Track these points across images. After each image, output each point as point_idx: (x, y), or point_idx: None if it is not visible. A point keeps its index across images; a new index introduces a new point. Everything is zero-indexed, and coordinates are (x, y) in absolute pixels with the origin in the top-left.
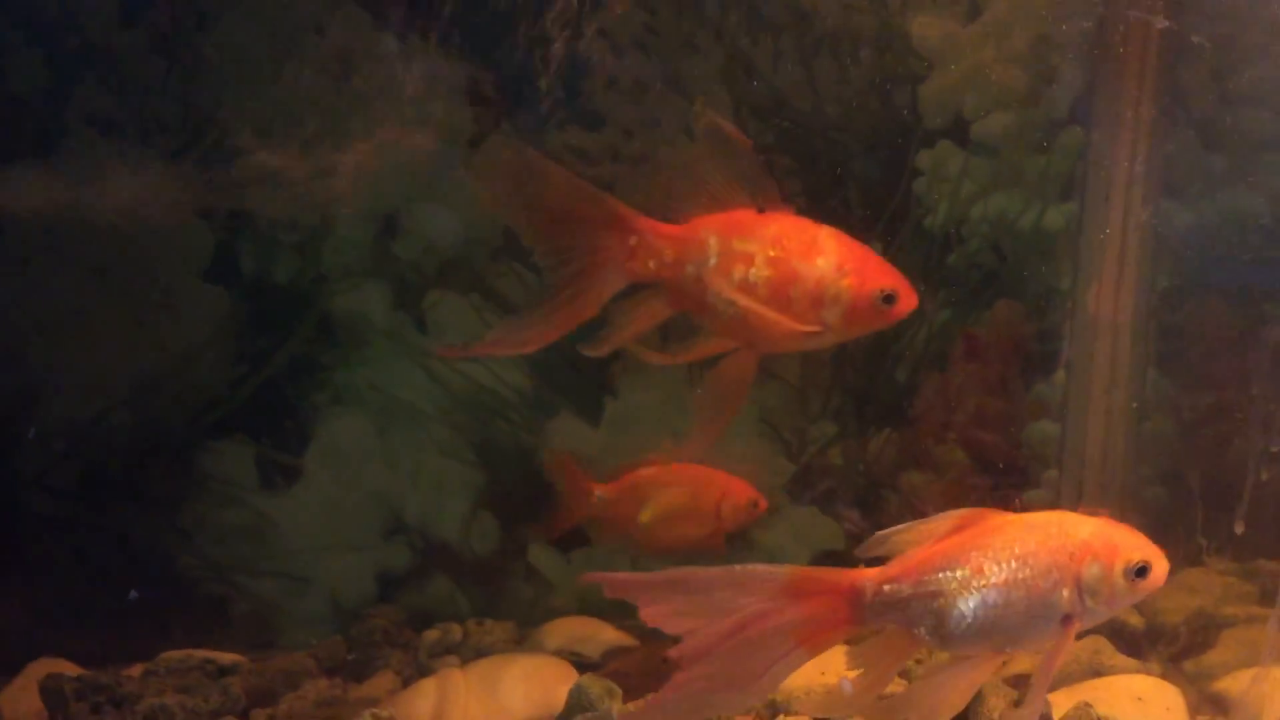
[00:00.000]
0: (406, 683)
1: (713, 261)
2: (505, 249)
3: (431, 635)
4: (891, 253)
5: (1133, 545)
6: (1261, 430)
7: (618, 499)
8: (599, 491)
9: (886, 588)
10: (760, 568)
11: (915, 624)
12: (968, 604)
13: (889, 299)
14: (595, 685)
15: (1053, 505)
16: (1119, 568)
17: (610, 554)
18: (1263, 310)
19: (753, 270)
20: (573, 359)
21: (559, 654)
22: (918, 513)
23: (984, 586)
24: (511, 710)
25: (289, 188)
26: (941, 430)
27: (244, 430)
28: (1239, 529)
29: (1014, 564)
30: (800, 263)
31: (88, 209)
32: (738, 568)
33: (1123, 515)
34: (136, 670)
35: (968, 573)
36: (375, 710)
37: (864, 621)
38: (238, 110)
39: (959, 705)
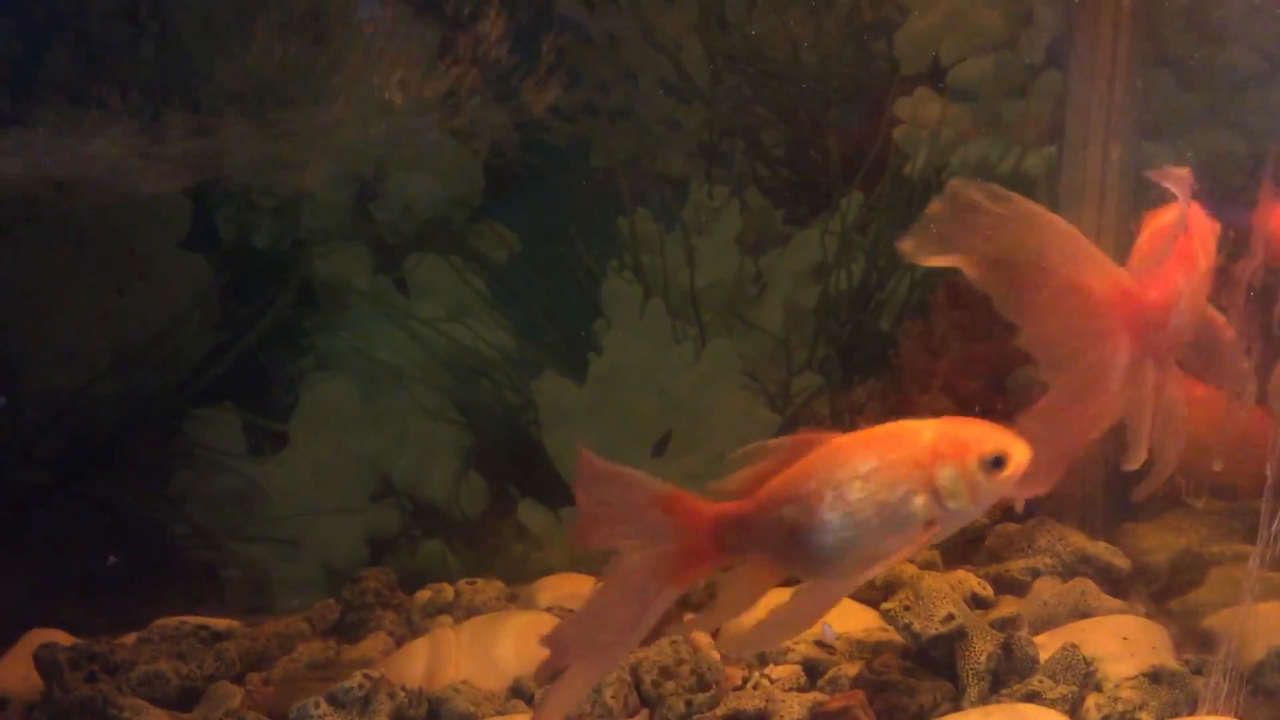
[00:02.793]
0: (399, 643)
1: None
2: (485, 209)
3: (423, 596)
4: (872, 202)
5: (983, 438)
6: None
7: None
8: None
9: (739, 525)
10: (643, 475)
11: (774, 555)
12: (818, 533)
13: None
14: None
15: None
16: (973, 464)
17: None
18: (1238, 248)
19: None
20: (555, 317)
21: (550, 610)
22: None
23: (831, 514)
24: (503, 667)
25: (265, 153)
26: (926, 378)
27: (230, 397)
28: (1217, 467)
29: (857, 484)
30: None
31: (64, 179)
32: (629, 469)
33: (1106, 456)
34: (130, 638)
35: (810, 503)
36: (367, 671)
37: (726, 553)
38: (211, 76)
39: (810, 623)
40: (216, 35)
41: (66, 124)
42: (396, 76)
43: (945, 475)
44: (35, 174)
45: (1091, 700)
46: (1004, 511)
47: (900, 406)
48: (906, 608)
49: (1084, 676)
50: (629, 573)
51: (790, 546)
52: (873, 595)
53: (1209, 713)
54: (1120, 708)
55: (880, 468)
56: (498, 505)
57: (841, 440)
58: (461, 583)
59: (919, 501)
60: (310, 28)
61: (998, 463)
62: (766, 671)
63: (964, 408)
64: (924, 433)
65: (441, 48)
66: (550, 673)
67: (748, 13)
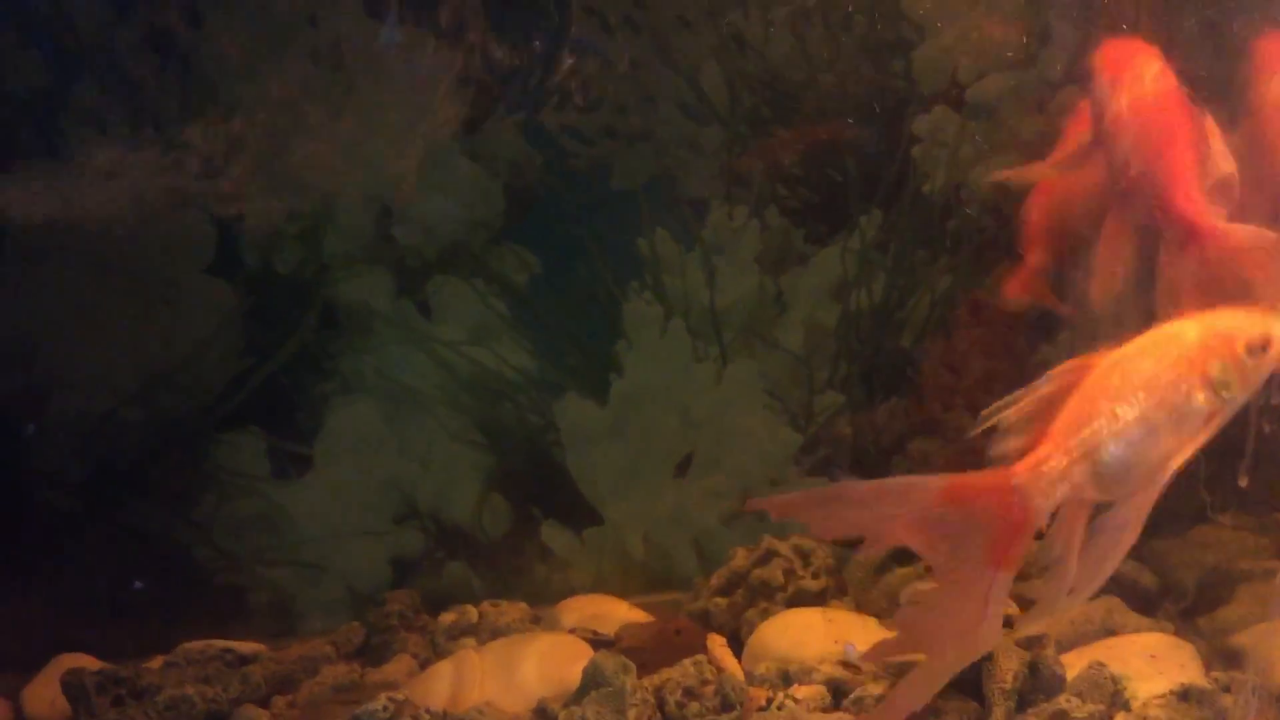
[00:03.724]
0: (423, 665)
1: None
2: (505, 231)
3: (447, 618)
4: (892, 221)
5: (1246, 325)
6: (1265, 381)
7: None
8: None
9: (1045, 468)
10: (912, 478)
11: (1080, 491)
12: (1119, 449)
13: None
14: (610, 661)
15: None
16: (1241, 352)
17: (618, 530)
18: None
19: None
20: (576, 338)
21: (574, 632)
22: None
23: (1128, 427)
24: (527, 689)
25: (288, 178)
26: (948, 396)
27: (254, 422)
28: (1243, 482)
29: (1142, 393)
30: None
31: (90, 207)
32: (890, 480)
33: None
34: (157, 662)
35: (1106, 422)
36: (392, 693)
37: (1040, 512)
38: (233, 103)
39: (1133, 539)
40: (238, 64)
41: (93, 153)
42: (416, 101)
43: (1217, 367)
44: (62, 203)
45: (1119, 719)
46: None
47: (923, 424)
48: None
49: (1112, 695)
50: (952, 575)
51: (1094, 474)
52: None
53: None
54: None
55: (1159, 372)
56: (521, 527)
57: (1111, 356)
58: (485, 604)
59: (1200, 398)
60: (332, 54)
61: (1263, 346)
62: (791, 692)
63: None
64: (1189, 331)
65: (462, 72)
66: (885, 657)
67: (765, 34)
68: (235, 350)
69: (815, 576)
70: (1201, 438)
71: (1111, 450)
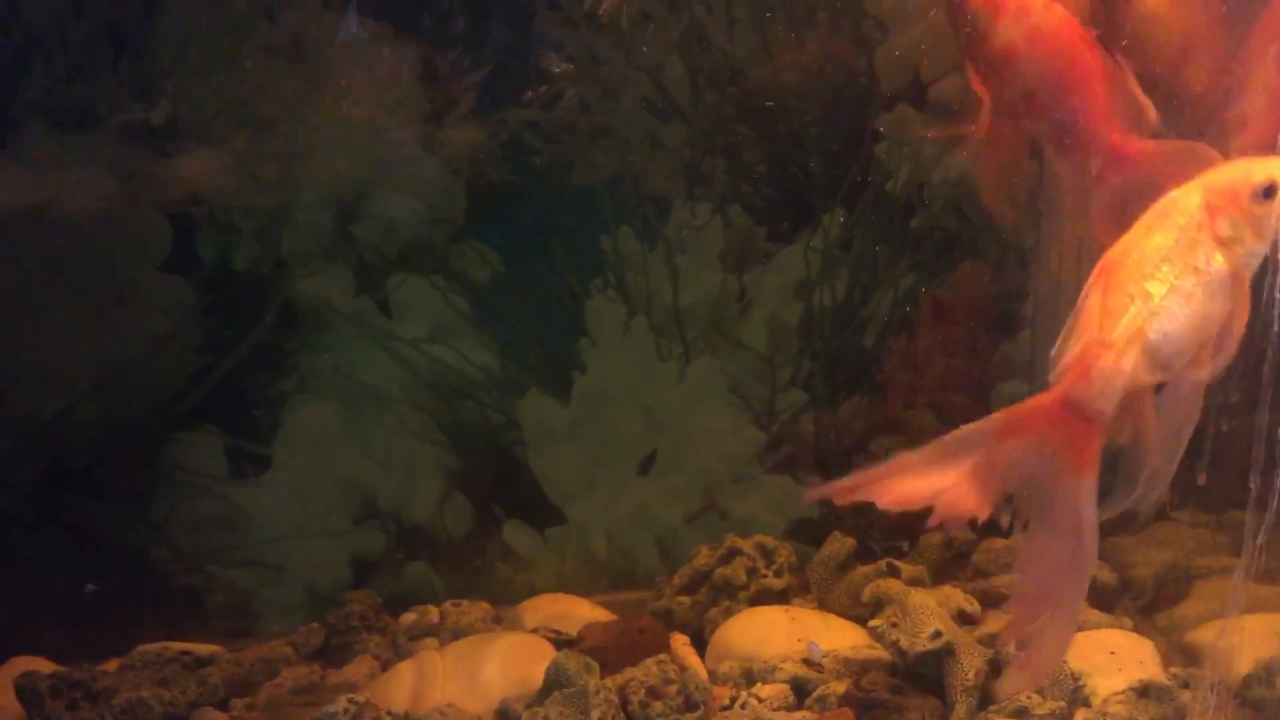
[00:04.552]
0: (385, 666)
1: None
2: (467, 229)
3: (408, 618)
4: (855, 219)
5: (1246, 173)
6: (1221, 381)
7: None
8: None
9: (1096, 370)
10: (965, 427)
11: (1138, 379)
12: (1164, 324)
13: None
14: (572, 661)
15: None
16: (1247, 204)
17: (581, 529)
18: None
19: None
20: (539, 336)
21: (537, 632)
22: None
23: (1163, 302)
24: (490, 689)
25: (245, 174)
26: (910, 394)
27: (212, 420)
28: (1201, 480)
29: (1165, 268)
30: None
31: (42, 202)
32: (947, 437)
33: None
34: (113, 665)
35: (1141, 303)
36: (352, 695)
37: (1104, 414)
38: (190, 98)
39: (1194, 419)
40: (195, 58)
41: (45, 147)
42: (377, 96)
43: (1226, 225)
44: (14, 198)
45: (1080, 715)
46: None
47: (885, 423)
48: (894, 625)
49: (1072, 692)
50: (1037, 508)
51: (1148, 357)
52: (860, 612)
53: None
54: None
55: (1176, 242)
56: (483, 526)
57: (1119, 246)
58: (447, 604)
59: (1219, 259)
60: (291, 49)
61: (1269, 191)
62: (754, 691)
63: (948, 423)
64: (1190, 196)
65: (423, 67)
66: (1017, 635)
67: (728, 31)
68: (192, 348)
69: (778, 575)
70: (1242, 296)
71: (1157, 328)
